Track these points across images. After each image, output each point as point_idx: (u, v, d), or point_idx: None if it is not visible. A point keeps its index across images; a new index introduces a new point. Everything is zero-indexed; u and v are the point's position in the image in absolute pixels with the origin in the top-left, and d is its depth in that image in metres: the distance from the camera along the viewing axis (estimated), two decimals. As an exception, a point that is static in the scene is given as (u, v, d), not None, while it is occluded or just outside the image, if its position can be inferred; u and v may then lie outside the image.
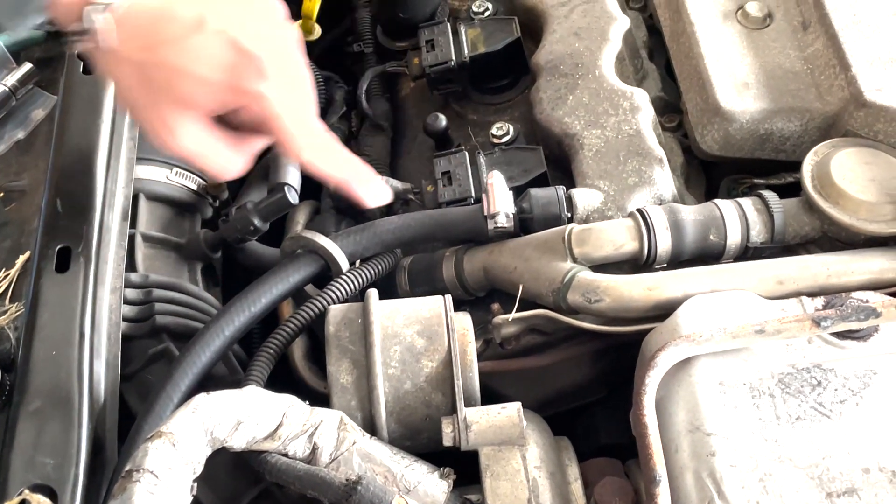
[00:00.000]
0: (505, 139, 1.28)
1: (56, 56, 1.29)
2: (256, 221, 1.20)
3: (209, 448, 0.85)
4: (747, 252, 1.06)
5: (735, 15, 1.25)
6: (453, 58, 1.32)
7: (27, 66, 1.26)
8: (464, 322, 1.03)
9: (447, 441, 0.95)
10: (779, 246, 1.06)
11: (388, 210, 1.29)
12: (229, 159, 1.01)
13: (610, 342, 1.09)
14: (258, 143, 1.04)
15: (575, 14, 1.31)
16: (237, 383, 0.99)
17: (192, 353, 1.00)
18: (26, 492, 0.71)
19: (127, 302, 1.09)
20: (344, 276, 1.09)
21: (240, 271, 1.33)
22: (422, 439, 0.99)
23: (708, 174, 1.28)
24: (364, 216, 1.26)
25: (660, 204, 1.10)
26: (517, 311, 1.06)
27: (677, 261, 1.06)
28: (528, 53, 1.34)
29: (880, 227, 1.03)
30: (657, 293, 1.00)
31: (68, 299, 1.01)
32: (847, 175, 1.05)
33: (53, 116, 1.19)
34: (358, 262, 1.14)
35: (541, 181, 1.19)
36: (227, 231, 1.21)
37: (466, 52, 1.33)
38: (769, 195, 1.06)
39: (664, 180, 1.14)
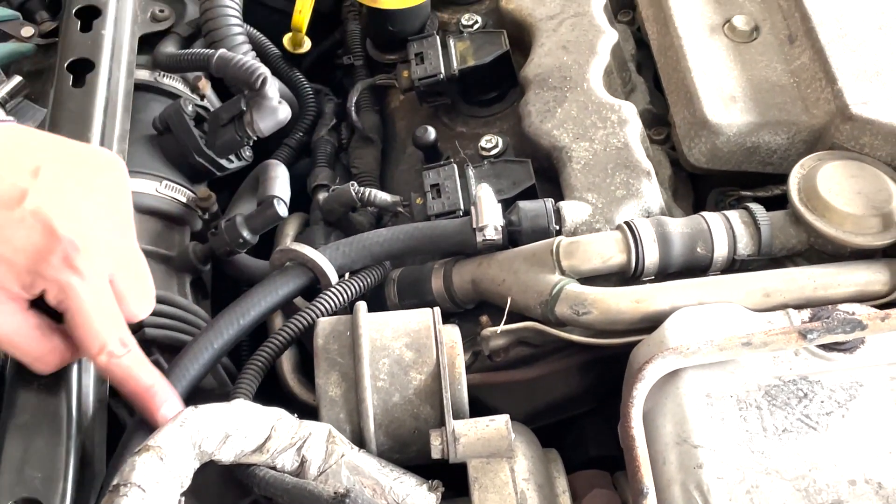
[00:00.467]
0: (494, 152, 1.28)
1: (46, 69, 1.29)
2: (246, 234, 1.20)
3: (197, 461, 0.85)
4: (734, 264, 1.07)
5: (722, 29, 1.26)
6: (442, 71, 1.33)
7: (17, 78, 1.25)
8: (452, 334, 1.03)
9: (435, 453, 0.95)
10: (766, 258, 1.07)
11: (377, 222, 1.30)
12: (44, 350, 0.92)
13: (598, 354, 1.09)
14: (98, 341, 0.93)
15: (563, 27, 1.31)
16: (226, 396, 0.99)
17: (180, 366, 1.00)
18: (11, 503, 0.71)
19: (116, 315, 1.09)
20: (333, 289, 1.09)
21: (229, 284, 1.33)
22: (410, 452, 0.99)
23: (695, 187, 1.28)
24: (353, 229, 1.26)
25: (647, 216, 1.10)
26: (506, 323, 1.06)
27: (665, 273, 1.07)
28: (516, 66, 1.35)
29: (866, 239, 1.03)
30: (645, 305, 1.01)
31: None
32: (833, 188, 1.06)
33: (43, 129, 1.19)
34: (347, 275, 1.14)
35: (529, 194, 1.19)
36: (217, 243, 1.21)
37: (455, 65, 1.34)
38: (756, 208, 1.07)
39: (652, 193, 1.14)
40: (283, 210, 1.21)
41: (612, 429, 0.98)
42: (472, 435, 0.95)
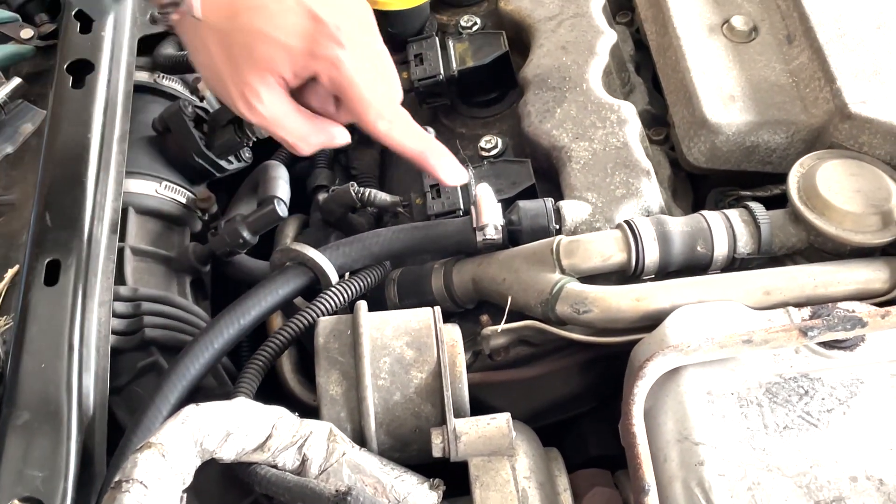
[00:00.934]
0: (493, 152, 1.29)
1: (45, 71, 1.30)
2: (246, 234, 1.20)
3: (198, 459, 0.85)
4: (734, 263, 1.07)
5: (721, 29, 1.26)
6: (442, 72, 1.33)
7: (16, 80, 1.26)
8: (453, 333, 1.03)
9: (437, 452, 0.95)
10: (765, 257, 1.07)
11: (376, 223, 1.30)
12: (307, 132, 1.04)
13: (598, 353, 1.09)
14: (334, 126, 1.07)
15: (562, 28, 1.32)
16: (226, 395, 0.99)
17: (181, 366, 1.01)
18: (16, 502, 0.71)
19: (116, 315, 1.09)
20: (333, 289, 1.09)
21: (229, 285, 1.33)
22: (411, 451, 0.99)
23: (695, 186, 1.28)
24: (353, 229, 1.26)
25: (647, 216, 1.11)
26: (506, 322, 1.06)
27: (665, 272, 1.07)
28: (515, 67, 1.35)
29: (866, 237, 1.04)
30: (645, 304, 1.01)
31: (57, 312, 1.01)
32: (832, 186, 1.06)
33: (42, 131, 1.19)
34: (347, 275, 1.14)
35: (529, 193, 1.20)
36: (217, 244, 1.22)
37: (455, 66, 1.34)
38: (756, 206, 1.07)
39: (651, 192, 1.14)
40: (282, 210, 1.22)
41: (612, 428, 0.98)
42: (473, 433, 0.95)
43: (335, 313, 1.08)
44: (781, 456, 0.89)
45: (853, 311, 0.96)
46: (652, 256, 1.05)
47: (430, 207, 1.20)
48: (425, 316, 1.03)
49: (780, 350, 0.95)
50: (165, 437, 0.82)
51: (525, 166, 1.22)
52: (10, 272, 1.09)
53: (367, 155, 1.43)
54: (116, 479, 0.77)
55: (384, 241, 1.13)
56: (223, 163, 1.30)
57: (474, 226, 1.10)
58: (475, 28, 1.42)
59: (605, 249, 1.06)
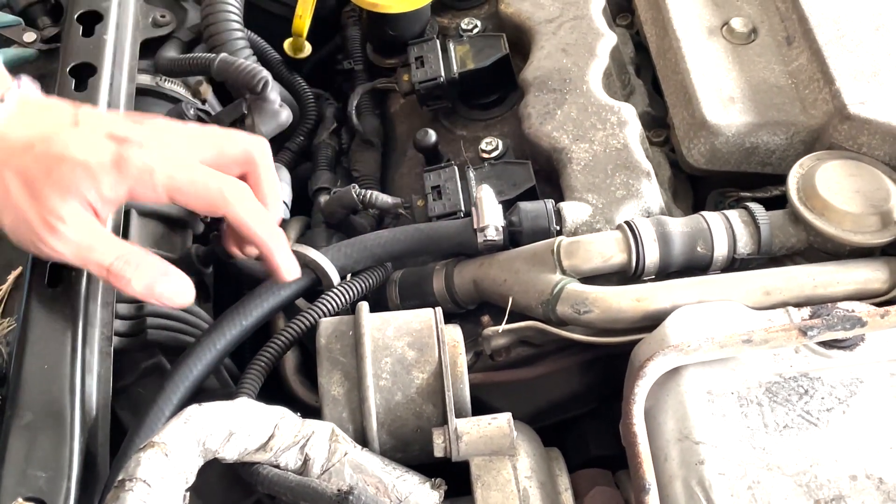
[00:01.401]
0: (494, 154, 1.29)
1: (48, 74, 1.30)
2: (247, 236, 1.20)
3: (201, 459, 0.85)
4: (734, 263, 1.08)
5: (720, 31, 1.27)
6: (442, 74, 1.34)
7: (19, 83, 1.26)
8: (454, 334, 1.04)
9: (438, 452, 0.95)
10: (765, 257, 1.08)
11: (378, 225, 1.30)
12: (127, 251, 0.96)
13: (599, 353, 1.10)
14: (169, 265, 1.01)
15: (563, 31, 1.32)
16: (229, 396, 0.99)
17: (183, 367, 1.01)
18: (20, 500, 0.71)
19: (119, 317, 1.09)
20: (335, 290, 1.10)
21: (231, 287, 1.34)
22: (413, 451, 1.00)
23: (695, 188, 1.29)
24: (355, 231, 1.27)
25: (648, 217, 1.11)
26: (507, 323, 1.07)
27: (665, 272, 1.07)
28: (516, 70, 1.36)
29: (865, 237, 1.04)
30: (645, 304, 1.01)
31: (60, 314, 1.02)
32: (832, 187, 1.06)
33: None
34: (349, 276, 1.15)
35: (530, 195, 1.20)
36: (219, 246, 1.22)
37: (455, 68, 1.35)
38: (755, 207, 1.08)
39: (652, 193, 1.15)
40: (284, 212, 1.22)
41: (612, 429, 0.98)
42: (474, 433, 0.95)
43: (337, 314, 1.09)
44: (781, 455, 0.89)
45: (853, 311, 0.97)
46: (652, 257, 1.05)
47: (431, 209, 1.21)
48: (427, 317, 1.03)
49: (779, 350, 0.95)
50: (168, 436, 0.82)
51: (526, 168, 1.23)
52: (14, 274, 1.09)
53: (368, 157, 1.44)
54: (120, 477, 0.77)
55: (385, 243, 1.13)
56: (225, 165, 1.31)
57: (475, 227, 1.11)
58: (476, 31, 1.42)
59: (606, 250, 1.06)
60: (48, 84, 1.27)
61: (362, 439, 0.98)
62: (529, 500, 0.94)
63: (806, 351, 0.95)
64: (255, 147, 1.03)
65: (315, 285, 1.12)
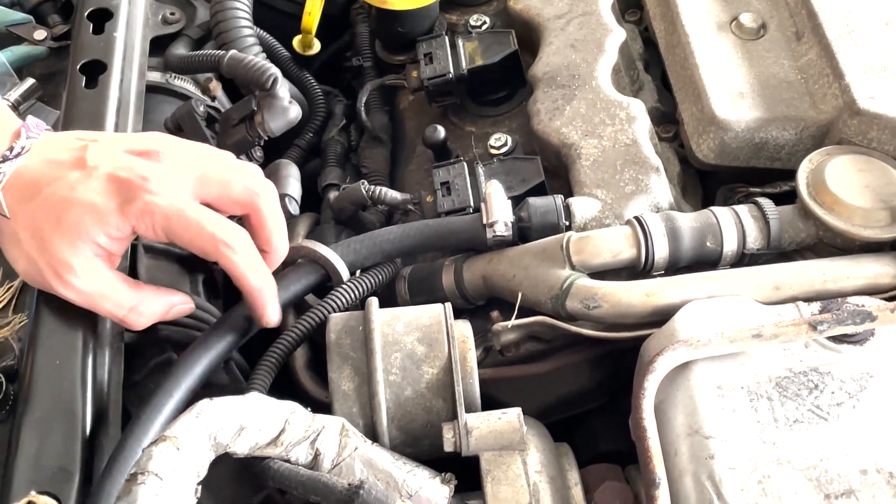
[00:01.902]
0: (503, 150, 1.29)
1: (58, 72, 1.31)
2: (257, 232, 1.21)
3: (213, 453, 0.86)
4: (744, 258, 1.08)
5: (729, 26, 1.26)
6: (451, 70, 1.34)
7: (30, 81, 1.27)
8: (463, 329, 1.04)
9: (448, 446, 0.95)
10: (775, 252, 1.08)
11: (387, 221, 1.30)
12: (137, 301, 0.99)
13: (608, 349, 1.10)
14: (172, 294, 1.05)
15: (571, 26, 1.32)
16: (239, 391, 0.99)
17: (191, 358, 1.00)
18: (33, 493, 0.71)
19: (129, 312, 1.10)
20: (345, 286, 1.10)
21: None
22: (423, 446, 1.00)
23: (704, 183, 1.29)
24: (364, 227, 1.27)
25: (657, 212, 1.11)
26: (516, 318, 1.07)
27: (675, 268, 1.07)
28: (524, 66, 1.36)
29: (875, 232, 1.04)
30: (655, 299, 1.01)
31: (72, 310, 1.02)
32: (842, 182, 1.06)
33: (56, 129, 1.20)
34: (358, 272, 1.15)
35: (539, 191, 1.20)
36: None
37: (464, 64, 1.35)
38: (765, 202, 1.08)
39: (661, 188, 1.15)
40: (294, 208, 1.22)
41: (622, 424, 0.98)
42: (484, 428, 0.95)
43: (346, 310, 1.09)
44: (791, 449, 0.89)
45: (862, 306, 0.97)
46: (661, 252, 1.05)
47: (440, 205, 1.21)
48: (436, 312, 1.04)
49: (789, 344, 0.95)
50: (180, 430, 0.83)
51: (534, 163, 1.23)
52: (25, 270, 1.09)
53: (377, 154, 1.44)
54: (132, 471, 0.78)
55: (395, 238, 1.14)
56: (235, 162, 1.31)
57: (484, 222, 1.11)
58: (484, 27, 1.43)
59: (615, 245, 1.06)
60: (58, 81, 1.28)
61: (372, 434, 0.98)
62: (540, 494, 0.94)
63: (816, 346, 0.95)
64: (260, 190, 1.03)
65: (324, 281, 1.12)
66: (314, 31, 1.50)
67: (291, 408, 0.93)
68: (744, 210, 1.08)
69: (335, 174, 1.40)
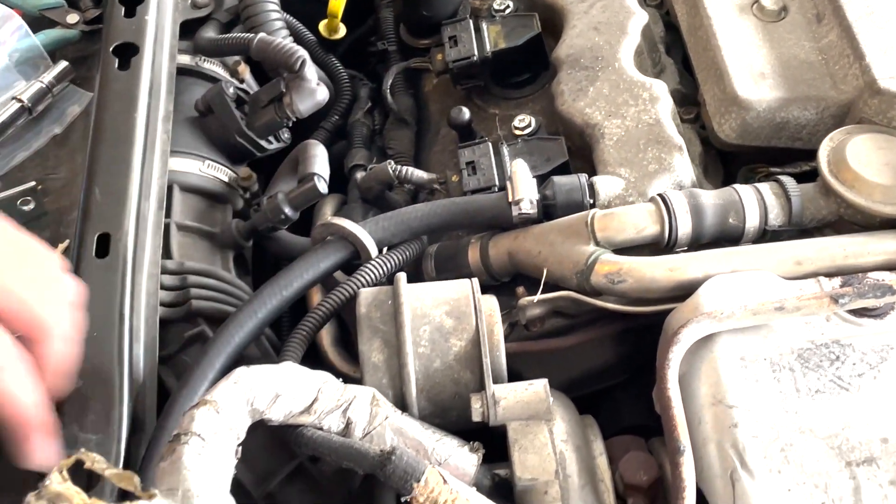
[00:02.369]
0: (527, 131, 1.31)
1: (90, 55, 1.33)
2: (287, 210, 1.23)
3: (249, 418, 0.88)
4: (765, 235, 1.09)
5: (751, 8, 1.28)
6: (476, 53, 1.36)
7: (63, 64, 1.30)
8: (490, 304, 1.06)
9: (476, 416, 0.97)
10: (796, 229, 1.09)
11: (413, 200, 1.32)
12: None
13: (632, 324, 1.11)
14: None
15: (594, 10, 1.34)
16: (272, 363, 1.02)
17: (226, 334, 1.03)
18: (82, 450, 0.74)
19: (163, 287, 1.12)
20: (373, 262, 1.12)
21: (269, 263, 1.37)
22: (451, 416, 1.02)
23: (725, 164, 1.30)
24: (390, 207, 1.29)
25: (679, 190, 1.13)
26: (542, 293, 1.09)
27: (697, 244, 1.09)
28: (548, 49, 1.38)
29: (895, 209, 1.05)
30: (678, 274, 1.03)
31: (108, 283, 1.04)
32: (862, 159, 1.08)
33: (89, 112, 1.23)
34: (385, 250, 1.17)
35: (563, 170, 1.22)
36: (259, 220, 1.25)
37: (488, 47, 1.37)
38: (787, 180, 1.09)
39: (684, 167, 1.17)
40: (322, 187, 1.24)
41: (645, 399, 1.00)
42: (511, 398, 0.97)
43: (375, 286, 1.11)
44: (813, 418, 0.91)
45: (883, 280, 0.98)
46: (685, 228, 1.07)
47: (466, 184, 1.23)
48: (464, 286, 1.06)
49: (811, 318, 0.97)
50: (219, 395, 0.85)
51: (558, 143, 1.25)
52: (61, 246, 1.12)
53: (402, 136, 1.46)
54: (175, 432, 0.80)
55: (422, 216, 1.16)
56: (263, 143, 1.34)
57: (510, 200, 1.13)
58: (508, 11, 1.45)
59: (639, 222, 1.08)
60: (91, 64, 1.31)
61: (402, 405, 1.00)
62: (566, 462, 0.96)
63: (837, 319, 0.97)
64: (53, 322, 0.88)
65: (353, 258, 1.14)
66: (340, 16, 1.52)
67: (324, 377, 0.95)
68: (766, 187, 1.10)
69: (362, 155, 1.43)
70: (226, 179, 1.31)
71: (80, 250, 1.07)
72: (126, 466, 0.94)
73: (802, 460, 0.89)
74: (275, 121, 1.30)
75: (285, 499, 1.05)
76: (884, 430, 0.90)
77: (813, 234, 1.10)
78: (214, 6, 1.46)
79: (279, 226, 1.25)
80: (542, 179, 1.17)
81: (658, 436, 1.00)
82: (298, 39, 1.47)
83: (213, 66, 1.42)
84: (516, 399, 0.97)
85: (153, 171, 1.16)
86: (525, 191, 1.12)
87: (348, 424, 0.95)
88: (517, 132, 1.31)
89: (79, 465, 0.77)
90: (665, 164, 1.16)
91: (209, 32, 1.41)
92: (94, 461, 0.73)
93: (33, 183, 1.17)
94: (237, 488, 0.84)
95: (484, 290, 1.11)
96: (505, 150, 1.25)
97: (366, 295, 1.06)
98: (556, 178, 1.15)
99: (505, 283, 1.19)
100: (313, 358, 1.18)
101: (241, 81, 1.42)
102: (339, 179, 1.41)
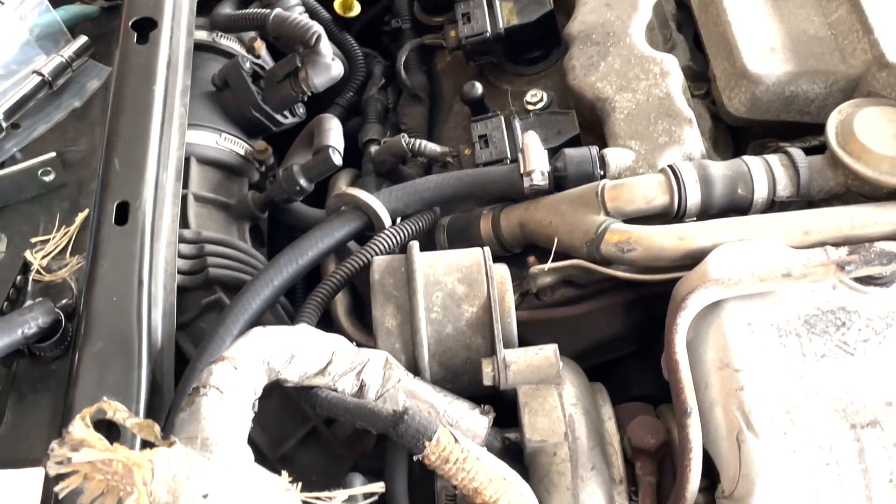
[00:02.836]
0: (539, 105, 1.33)
1: (109, 31, 1.35)
2: (302, 181, 1.25)
3: (266, 377, 0.90)
4: (774, 206, 1.11)
5: (761, -15, 1.29)
6: (489, 29, 1.38)
7: (82, 38, 1.32)
8: (502, 271, 1.08)
9: (487, 380, 0.99)
10: (804, 200, 1.10)
11: (426, 174, 1.34)
12: None
13: (641, 294, 1.13)
14: None
15: (606, -13, 1.36)
16: (288, 329, 1.04)
17: (243, 300, 1.06)
18: (104, 399, 0.76)
19: (181, 256, 1.15)
20: (386, 232, 1.14)
21: (283, 235, 1.39)
22: (462, 381, 1.04)
23: (735, 139, 1.32)
24: (403, 180, 1.31)
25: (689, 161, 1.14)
26: (552, 262, 1.10)
27: (706, 214, 1.10)
28: (559, 26, 1.39)
29: (902, 180, 1.07)
30: (687, 242, 1.04)
31: (127, 250, 1.07)
32: (870, 132, 1.09)
33: (108, 86, 1.25)
34: (399, 220, 1.19)
35: (574, 143, 1.24)
36: (275, 191, 1.27)
37: (501, 24, 1.38)
38: (795, 152, 1.10)
39: (693, 139, 1.18)
40: (337, 159, 1.26)
41: (654, 370, 1.02)
42: (521, 362, 0.99)
43: (388, 255, 1.13)
44: (819, 382, 0.92)
45: (890, 249, 0.99)
46: (694, 198, 1.08)
47: (478, 157, 1.25)
48: (475, 254, 1.07)
49: (817, 285, 0.98)
50: (237, 351, 0.87)
51: (570, 117, 1.26)
52: (81, 215, 1.14)
53: (416, 112, 1.48)
54: (194, 385, 0.82)
55: (435, 187, 1.17)
56: (279, 117, 1.36)
57: (521, 171, 1.14)
58: (520, -11, 1.46)
59: (649, 192, 1.10)
60: (110, 40, 1.33)
61: (414, 369, 1.02)
62: (575, 425, 0.98)
63: (843, 287, 0.98)
64: None
65: (367, 228, 1.16)
66: (355, -7, 1.54)
67: (338, 340, 0.97)
68: (774, 159, 1.11)
69: (375, 130, 1.44)
70: (242, 152, 1.33)
71: (101, 218, 1.10)
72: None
73: (808, 422, 0.90)
74: (290, 95, 1.32)
75: (300, 460, 1.07)
76: (888, 394, 0.91)
77: (820, 206, 1.11)
78: (231, -17, 1.48)
79: (294, 197, 1.27)
80: (554, 152, 1.19)
81: (666, 403, 1.01)
82: (313, 16, 1.49)
83: (229, 42, 1.44)
84: (527, 363, 0.99)
85: (171, 143, 1.18)
86: (537, 162, 1.14)
87: (362, 387, 0.97)
88: (529, 107, 1.33)
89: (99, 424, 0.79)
90: (675, 137, 1.18)
91: (226, 8, 1.44)
92: (117, 410, 0.75)
93: (54, 154, 1.19)
94: (253, 450, 0.86)
95: (496, 261, 1.12)
96: (517, 124, 1.26)
97: (379, 262, 1.08)
98: (568, 151, 1.16)
99: (516, 254, 1.21)
100: (327, 328, 1.20)
101: (258, 57, 1.44)
102: (354, 155, 1.43)
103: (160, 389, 1.01)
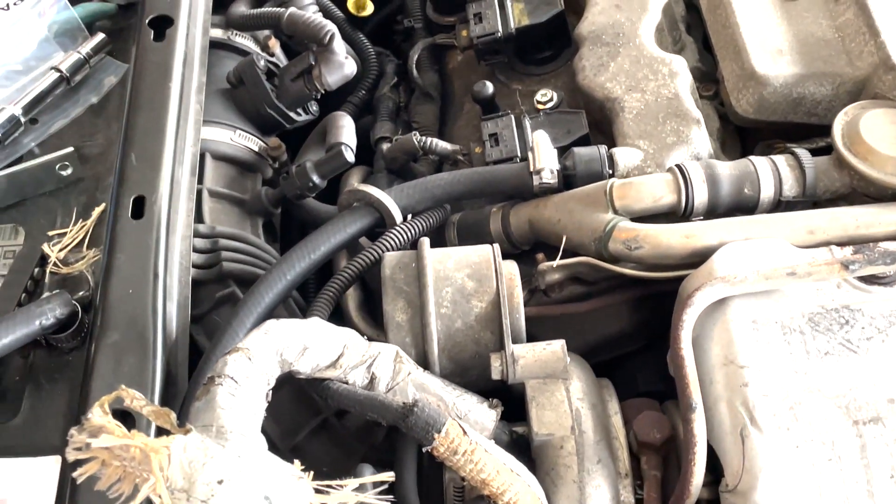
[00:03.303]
0: (549, 105, 1.34)
1: (126, 28, 1.37)
2: (315, 178, 1.27)
3: (279, 369, 0.91)
4: (780, 206, 1.12)
5: (769, -13, 1.31)
6: (500, 29, 1.39)
7: (100, 36, 1.34)
8: (511, 268, 1.09)
9: (495, 374, 1.01)
10: (810, 200, 1.12)
11: (437, 171, 1.36)
12: None
13: (647, 291, 1.14)
14: None
15: (616, -12, 1.37)
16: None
17: (256, 294, 1.07)
18: (122, 386, 0.78)
19: (196, 250, 1.17)
20: (398, 228, 1.16)
21: (296, 231, 1.41)
22: (471, 376, 1.05)
23: (742, 140, 1.33)
24: (414, 178, 1.32)
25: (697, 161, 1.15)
26: (561, 259, 1.12)
27: (713, 213, 1.12)
28: (570, 26, 1.40)
29: (907, 181, 1.08)
30: (694, 241, 1.06)
31: (143, 242, 1.08)
32: (876, 133, 1.10)
33: (125, 83, 1.27)
34: (409, 217, 1.20)
35: (583, 143, 1.25)
36: (288, 187, 1.29)
37: (512, 24, 1.40)
38: (802, 152, 1.12)
39: (701, 139, 1.19)
40: (349, 156, 1.28)
41: (660, 365, 1.03)
42: (529, 357, 1.01)
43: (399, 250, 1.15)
44: (822, 379, 0.94)
45: (894, 249, 1.01)
46: (701, 197, 1.10)
47: (488, 155, 1.26)
48: (485, 251, 1.09)
49: (822, 284, 0.99)
50: (251, 343, 0.89)
51: (579, 116, 1.28)
52: (98, 209, 1.16)
53: (427, 110, 1.50)
54: (209, 375, 0.84)
55: (446, 184, 1.19)
56: (292, 114, 1.38)
57: (531, 170, 1.16)
58: (531, -11, 1.47)
59: (657, 191, 1.11)
60: (127, 37, 1.34)
61: (424, 363, 1.04)
62: (581, 419, 1.00)
63: (847, 286, 1.00)
64: None
65: (378, 224, 1.18)
66: (368, -7, 1.56)
67: (350, 334, 0.99)
68: (781, 159, 1.12)
69: (387, 128, 1.46)
70: (256, 149, 1.35)
71: (117, 212, 1.12)
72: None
73: (811, 418, 0.92)
74: (304, 93, 1.34)
75: (311, 451, 1.09)
76: (890, 391, 0.93)
77: (826, 207, 1.12)
78: (246, -18, 1.50)
79: (307, 193, 1.29)
80: (563, 151, 1.20)
81: (672, 399, 1.03)
82: (327, 15, 1.51)
83: (244, 40, 1.46)
84: (534, 358, 1.01)
85: (186, 138, 1.20)
86: (546, 160, 1.16)
87: (372, 379, 0.98)
88: (539, 106, 1.34)
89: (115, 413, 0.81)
90: (683, 137, 1.19)
91: (241, 7, 1.45)
92: (134, 397, 0.77)
93: (71, 149, 1.21)
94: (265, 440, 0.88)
95: (505, 258, 1.14)
96: (527, 123, 1.28)
97: (390, 258, 1.09)
98: (577, 149, 1.18)
99: (525, 251, 1.22)
100: (338, 322, 1.22)
101: (272, 55, 1.46)
102: (366, 152, 1.45)
103: (174, 380, 1.03)
